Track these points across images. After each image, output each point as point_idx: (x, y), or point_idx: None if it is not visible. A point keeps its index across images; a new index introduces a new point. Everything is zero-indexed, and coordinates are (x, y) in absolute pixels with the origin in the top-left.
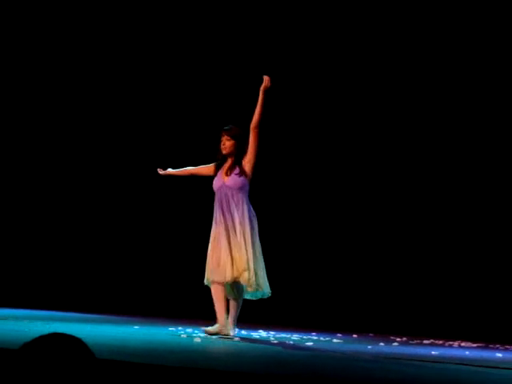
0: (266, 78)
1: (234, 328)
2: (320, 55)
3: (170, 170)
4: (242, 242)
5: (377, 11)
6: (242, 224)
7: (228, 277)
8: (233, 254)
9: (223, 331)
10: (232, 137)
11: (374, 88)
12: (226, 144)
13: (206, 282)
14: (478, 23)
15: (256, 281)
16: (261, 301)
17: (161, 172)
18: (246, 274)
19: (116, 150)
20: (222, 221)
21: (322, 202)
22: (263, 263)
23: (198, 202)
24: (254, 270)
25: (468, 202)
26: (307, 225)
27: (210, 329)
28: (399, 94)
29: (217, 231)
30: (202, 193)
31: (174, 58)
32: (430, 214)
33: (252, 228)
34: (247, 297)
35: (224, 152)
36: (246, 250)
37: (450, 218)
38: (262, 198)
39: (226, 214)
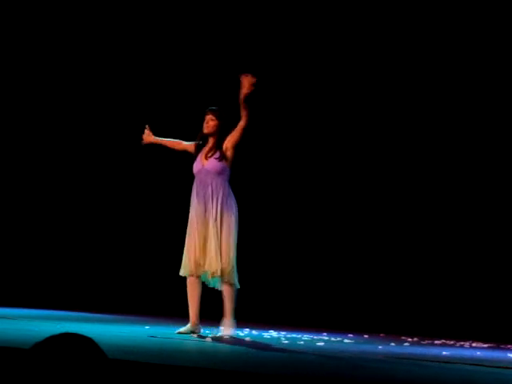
0: (244, 84)
1: (231, 327)
2: (310, 48)
3: (153, 138)
4: (214, 230)
5: (371, 8)
6: (217, 210)
7: (199, 271)
8: (203, 243)
9: (197, 330)
10: (217, 117)
11: (365, 81)
12: (210, 123)
13: (181, 273)
14: (478, 23)
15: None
16: (272, 301)
17: (148, 139)
18: (214, 262)
19: (114, 148)
20: (196, 205)
21: (327, 200)
22: (234, 254)
23: None
24: (226, 258)
25: (477, 201)
26: (319, 226)
27: (182, 329)
28: (393, 89)
29: (191, 216)
30: None
31: (159, 45)
32: (443, 214)
33: (228, 215)
34: (210, 285)
35: (206, 131)
36: (219, 238)
37: (463, 219)
38: (264, 194)
39: (202, 198)
